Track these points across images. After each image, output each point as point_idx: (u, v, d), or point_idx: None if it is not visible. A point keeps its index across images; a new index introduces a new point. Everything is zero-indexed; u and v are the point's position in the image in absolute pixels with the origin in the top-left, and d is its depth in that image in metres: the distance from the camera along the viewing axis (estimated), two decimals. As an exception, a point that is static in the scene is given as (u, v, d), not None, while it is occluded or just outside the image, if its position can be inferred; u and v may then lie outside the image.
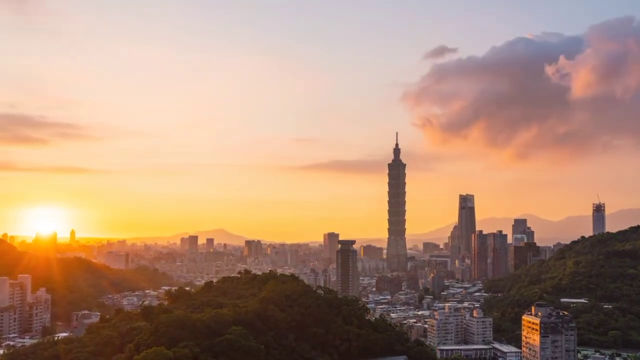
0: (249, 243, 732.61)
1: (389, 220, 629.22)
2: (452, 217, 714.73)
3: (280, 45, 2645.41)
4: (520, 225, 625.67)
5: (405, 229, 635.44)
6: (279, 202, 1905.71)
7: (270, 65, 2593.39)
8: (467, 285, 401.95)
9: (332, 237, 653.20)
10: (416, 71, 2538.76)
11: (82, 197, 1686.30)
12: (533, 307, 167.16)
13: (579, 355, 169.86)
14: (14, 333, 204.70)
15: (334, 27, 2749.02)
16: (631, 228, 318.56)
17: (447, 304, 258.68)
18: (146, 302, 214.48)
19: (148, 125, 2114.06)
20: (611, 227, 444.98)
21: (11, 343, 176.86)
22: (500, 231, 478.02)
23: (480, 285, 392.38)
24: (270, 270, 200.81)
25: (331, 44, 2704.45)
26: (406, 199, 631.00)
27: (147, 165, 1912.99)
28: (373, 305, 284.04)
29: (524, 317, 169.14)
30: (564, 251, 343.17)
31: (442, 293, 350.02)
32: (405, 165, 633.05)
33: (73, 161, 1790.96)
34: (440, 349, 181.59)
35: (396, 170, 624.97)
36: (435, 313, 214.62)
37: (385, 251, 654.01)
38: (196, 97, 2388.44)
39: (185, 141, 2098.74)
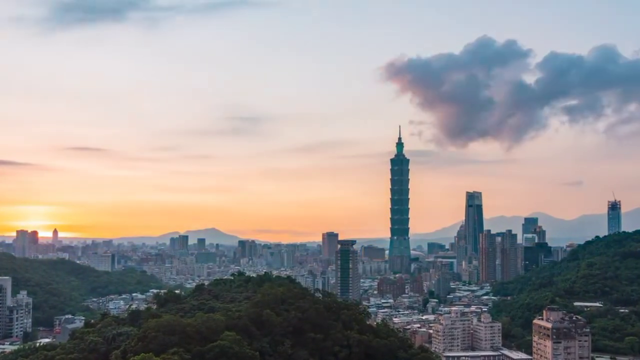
0: (242, 243, 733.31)
1: (392, 219, 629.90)
2: (458, 216, 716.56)
3: (273, 37, 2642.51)
4: (530, 224, 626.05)
5: (408, 228, 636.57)
6: (274, 199, 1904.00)
7: (262, 55, 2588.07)
8: (475, 288, 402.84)
9: (331, 237, 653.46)
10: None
11: (65, 194, 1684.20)
12: (544, 312, 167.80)
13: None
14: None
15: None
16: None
17: (453, 308, 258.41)
18: (133, 306, 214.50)
19: (133, 118, 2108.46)
20: (627, 226, 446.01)
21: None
22: (510, 230, 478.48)
23: (489, 288, 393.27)
24: (265, 272, 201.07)
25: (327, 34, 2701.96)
26: (410, 196, 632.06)
27: (132, 161, 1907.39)
28: (374, 309, 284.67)
29: (535, 321, 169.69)
30: (577, 252, 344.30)
31: (448, 296, 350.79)
32: (408, 160, 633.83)
33: (54, 157, 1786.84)
34: (445, 356, 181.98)
35: (399, 166, 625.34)
36: (441, 318, 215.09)
37: (387, 252, 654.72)
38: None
39: (173, 134, 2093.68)
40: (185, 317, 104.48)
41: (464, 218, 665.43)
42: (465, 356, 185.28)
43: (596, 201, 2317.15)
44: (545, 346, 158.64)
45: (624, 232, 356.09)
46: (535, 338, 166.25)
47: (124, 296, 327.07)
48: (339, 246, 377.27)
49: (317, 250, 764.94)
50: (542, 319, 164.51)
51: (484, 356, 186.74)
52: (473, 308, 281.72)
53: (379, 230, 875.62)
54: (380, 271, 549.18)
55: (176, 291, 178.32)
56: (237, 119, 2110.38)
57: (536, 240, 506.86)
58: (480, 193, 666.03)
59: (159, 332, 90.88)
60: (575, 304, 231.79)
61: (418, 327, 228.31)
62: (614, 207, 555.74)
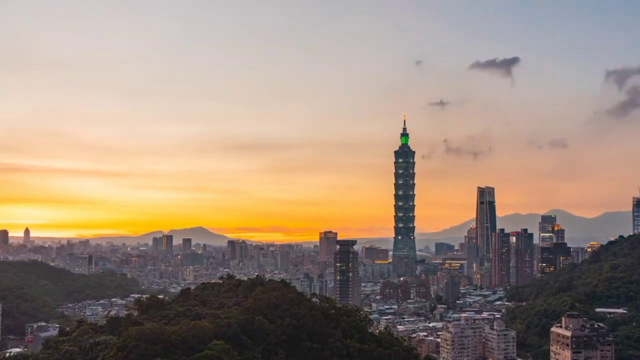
0: (232, 243, 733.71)
1: (396, 217, 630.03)
2: (469, 214, 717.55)
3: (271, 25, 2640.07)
4: (548, 222, 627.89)
5: (414, 227, 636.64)
6: (267, 196, 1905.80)
7: (257, 48, 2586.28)
8: (487, 293, 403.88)
9: (329, 236, 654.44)
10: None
11: (37, 191, 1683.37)
12: (563, 318, 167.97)
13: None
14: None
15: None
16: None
17: (463, 315, 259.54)
18: (112, 312, 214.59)
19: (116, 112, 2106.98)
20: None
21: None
22: (525, 229, 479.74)
23: (502, 292, 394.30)
24: (257, 276, 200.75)
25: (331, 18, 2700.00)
26: (415, 192, 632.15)
27: (111, 154, 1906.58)
28: (377, 315, 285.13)
29: (553, 329, 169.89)
30: (599, 253, 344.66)
31: (457, 302, 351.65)
32: (414, 152, 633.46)
33: (29, 155, 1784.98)
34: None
35: (404, 159, 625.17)
36: (449, 325, 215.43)
37: (391, 253, 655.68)
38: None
39: (157, 126, 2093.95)
40: (169, 324, 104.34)
41: (474, 216, 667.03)
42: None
43: (620, 197, 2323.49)
44: (564, 356, 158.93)
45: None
46: (553, 347, 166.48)
47: (102, 301, 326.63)
48: (337, 247, 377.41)
49: (313, 251, 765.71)
50: (561, 327, 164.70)
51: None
52: (485, 314, 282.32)
53: (382, 229, 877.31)
54: (383, 274, 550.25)
55: (159, 296, 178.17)
56: (226, 111, 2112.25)
57: (554, 240, 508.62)
58: (492, 188, 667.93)
59: (140, 341, 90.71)
60: (597, 310, 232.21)
61: (424, 336, 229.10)
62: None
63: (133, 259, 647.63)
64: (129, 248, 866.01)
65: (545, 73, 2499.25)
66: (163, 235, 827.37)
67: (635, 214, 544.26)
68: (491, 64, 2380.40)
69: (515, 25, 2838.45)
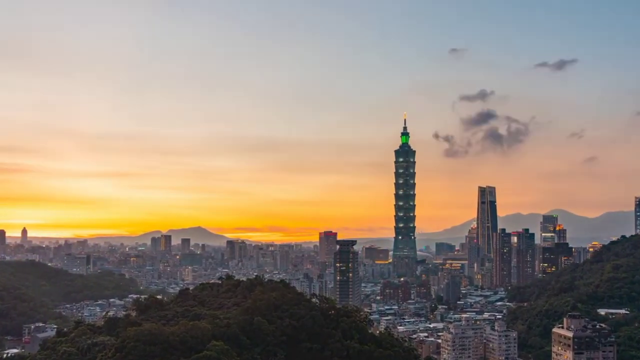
0: (231, 243, 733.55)
1: (396, 217, 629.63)
2: (469, 214, 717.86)
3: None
4: (550, 222, 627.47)
5: (414, 227, 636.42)
6: (266, 196, 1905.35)
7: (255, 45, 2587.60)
8: (488, 293, 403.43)
9: (328, 236, 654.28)
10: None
11: (35, 191, 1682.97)
12: (565, 319, 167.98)
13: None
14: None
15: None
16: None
17: (463, 315, 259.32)
18: (111, 313, 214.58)
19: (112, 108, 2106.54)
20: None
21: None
22: (527, 229, 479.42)
23: (503, 293, 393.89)
24: (256, 276, 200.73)
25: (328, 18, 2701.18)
26: (416, 191, 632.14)
27: (111, 154, 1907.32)
28: (377, 316, 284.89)
29: (554, 330, 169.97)
30: (601, 253, 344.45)
31: (458, 302, 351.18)
32: (415, 152, 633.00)
33: (27, 155, 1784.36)
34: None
35: (404, 158, 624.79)
36: (450, 326, 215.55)
37: (391, 253, 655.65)
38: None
39: (157, 126, 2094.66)
40: (167, 325, 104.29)
41: (475, 216, 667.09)
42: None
43: (622, 197, 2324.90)
44: (566, 357, 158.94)
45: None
46: (554, 348, 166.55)
47: (100, 302, 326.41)
48: (337, 247, 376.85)
49: (313, 251, 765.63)
50: (563, 327, 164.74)
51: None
52: (486, 315, 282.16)
53: (382, 229, 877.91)
54: (384, 274, 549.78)
55: (158, 296, 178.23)
56: (224, 110, 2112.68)
57: (556, 240, 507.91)
58: (493, 188, 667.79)
59: (138, 342, 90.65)
60: (599, 310, 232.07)
61: (425, 337, 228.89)
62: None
63: (131, 259, 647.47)
64: (127, 248, 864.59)
65: (570, 76, 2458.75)
66: (162, 235, 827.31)
67: (638, 213, 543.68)
68: (543, 65, 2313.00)
69: (566, 25, 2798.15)
